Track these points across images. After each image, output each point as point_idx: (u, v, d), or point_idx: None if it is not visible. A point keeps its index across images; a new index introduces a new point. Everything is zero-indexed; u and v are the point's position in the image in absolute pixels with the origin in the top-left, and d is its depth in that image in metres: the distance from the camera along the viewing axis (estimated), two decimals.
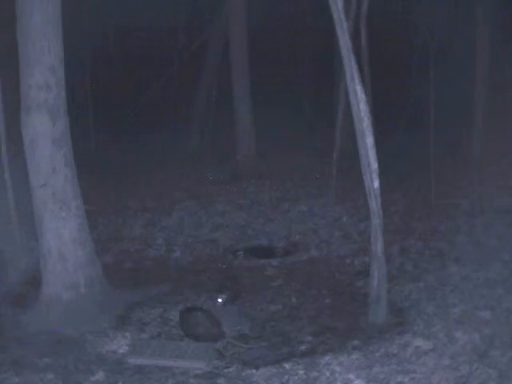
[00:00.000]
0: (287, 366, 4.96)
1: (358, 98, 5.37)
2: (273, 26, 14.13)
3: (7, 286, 6.66)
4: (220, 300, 6.06)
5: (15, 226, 6.98)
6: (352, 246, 7.71)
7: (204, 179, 11.14)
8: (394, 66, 13.17)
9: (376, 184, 5.41)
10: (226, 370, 5.00)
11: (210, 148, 13.12)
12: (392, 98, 12.50)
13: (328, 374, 4.81)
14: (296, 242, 8.08)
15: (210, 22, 13.71)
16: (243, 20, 11.39)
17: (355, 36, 7.62)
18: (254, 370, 4.93)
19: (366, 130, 5.39)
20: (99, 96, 13.31)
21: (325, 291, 6.44)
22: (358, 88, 5.37)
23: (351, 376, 4.75)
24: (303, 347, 5.32)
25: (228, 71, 11.60)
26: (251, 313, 6.02)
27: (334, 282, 6.71)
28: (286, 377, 4.83)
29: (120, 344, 5.44)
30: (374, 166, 5.39)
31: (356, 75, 5.37)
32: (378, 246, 5.56)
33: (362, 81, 5.53)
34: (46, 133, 5.78)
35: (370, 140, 5.38)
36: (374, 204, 5.46)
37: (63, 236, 5.91)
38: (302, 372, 4.86)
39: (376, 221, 5.51)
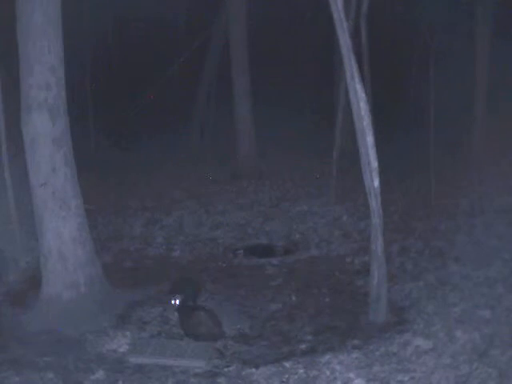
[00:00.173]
0: (287, 364, 4.96)
1: (358, 97, 5.37)
2: (273, 25, 14.13)
3: (7, 285, 6.67)
4: (177, 301, 5.92)
5: (15, 225, 6.99)
6: (352, 245, 7.72)
7: (204, 179, 11.16)
8: (393, 66, 13.19)
9: (376, 183, 5.41)
10: (226, 369, 5.00)
11: (210, 148, 13.14)
12: (392, 98, 12.51)
13: (328, 372, 4.81)
14: (296, 241, 8.09)
15: (210, 21, 13.72)
16: (243, 20, 11.40)
17: (355, 35, 7.62)
18: (254, 369, 4.92)
19: (366, 128, 5.39)
20: (99, 96, 13.31)
21: (325, 290, 6.44)
22: (358, 87, 5.37)
23: (351, 375, 4.75)
24: (303, 346, 5.31)
25: (228, 71, 11.60)
26: (251, 312, 6.02)
27: (334, 281, 6.71)
28: (286, 376, 4.82)
29: (120, 343, 5.44)
30: (374, 164, 5.39)
31: (356, 74, 5.37)
32: (378, 245, 5.56)
33: (362, 80, 5.53)
34: (46, 132, 5.79)
35: (370, 139, 5.39)
36: (374, 203, 5.47)
37: (63, 235, 5.91)
38: (302, 371, 4.86)
39: (376, 220, 5.51)
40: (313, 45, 14.52)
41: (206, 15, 13.96)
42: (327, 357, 5.02)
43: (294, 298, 6.28)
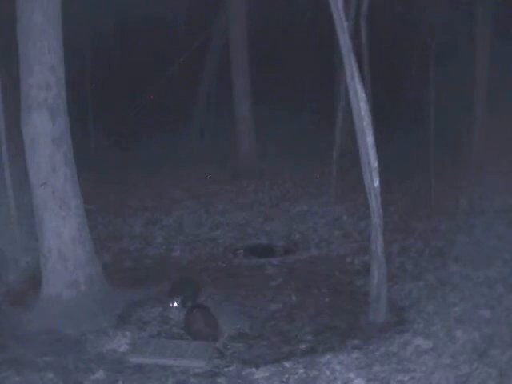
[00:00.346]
0: (287, 364, 4.96)
1: (358, 97, 5.37)
2: (273, 25, 14.11)
3: (7, 285, 6.67)
4: (175, 304, 5.97)
5: (15, 225, 6.99)
6: (352, 244, 7.72)
7: (204, 179, 11.15)
8: (393, 66, 13.18)
9: (376, 183, 5.41)
10: (226, 369, 5.00)
11: (210, 148, 13.13)
12: (392, 98, 12.51)
13: (328, 372, 4.81)
14: (296, 241, 8.10)
15: (210, 21, 13.72)
16: (243, 20, 11.40)
17: (355, 35, 7.61)
18: (254, 369, 4.93)
19: (366, 128, 5.39)
20: (99, 96, 13.31)
21: (325, 290, 6.44)
22: (358, 87, 5.38)
23: (351, 375, 4.75)
24: (303, 346, 5.32)
25: (228, 71, 11.60)
26: (251, 312, 6.02)
27: (334, 281, 6.71)
28: (286, 376, 4.83)
29: (120, 343, 5.44)
30: (374, 164, 5.39)
31: (356, 74, 5.38)
32: (378, 245, 5.57)
33: (362, 80, 5.54)
34: (46, 132, 5.79)
35: (370, 139, 5.39)
36: (374, 203, 5.47)
37: (63, 235, 5.91)
38: (302, 371, 4.86)
39: (376, 220, 5.51)
40: (313, 45, 14.51)
41: (206, 15, 13.95)
42: (327, 357, 5.02)
43: (293, 298, 6.28)
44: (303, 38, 14.52)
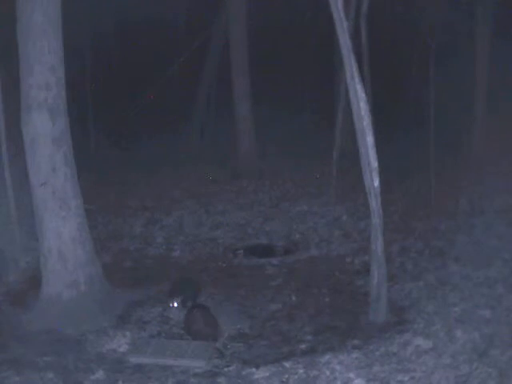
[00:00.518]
0: (287, 364, 4.96)
1: (358, 97, 5.37)
2: (273, 25, 14.11)
3: (7, 285, 6.67)
4: (175, 304, 5.97)
5: (15, 225, 6.99)
6: (352, 245, 7.72)
7: (204, 179, 11.15)
8: (393, 66, 13.18)
9: (376, 183, 5.41)
10: (226, 369, 5.00)
11: (210, 148, 13.13)
12: (392, 98, 12.51)
13: (328, 372, 4.81)
14: (296, 241, 8.09)
15: (210, 21, 13.72)
16: (243, 20, 11.40)
17: (355, 35, 7.61)
18: (253, 369, 4.93)
19: (366, 128, 5.39)
20: (99, 96, 13.30)
21: (325, 290, 6.44)
22: (358, 87, 5.38)
23: (351, 375, 4.75)
24: (303, 346, 5.32)
25: (228, 71, 11.60)
26: (251, 312, 6.02)
27: (334, 281, 6.71)
28: (286, 376, 4.83)
29: (120, 343, 5.44)
30: (374, 164, 5.39)
31: (356, 74, 5.38)
32: (378, 245, 5.57)
33: (362, 80, 5.54)
34: (46, 132, 5.79)
35: (370, 139, 5.39)
36: (374, 203, 5.47)
37: (63, 235, 5.91)
38: (301, 371, 4.86)
39: (376, 220, 5.51)
40: (313, 45, 14.52)
41: (206, 15, 13.95)
42: (327, 357, 5.02)
43: (294, 298, 6.28)
44: (303, 38, 14.53)
